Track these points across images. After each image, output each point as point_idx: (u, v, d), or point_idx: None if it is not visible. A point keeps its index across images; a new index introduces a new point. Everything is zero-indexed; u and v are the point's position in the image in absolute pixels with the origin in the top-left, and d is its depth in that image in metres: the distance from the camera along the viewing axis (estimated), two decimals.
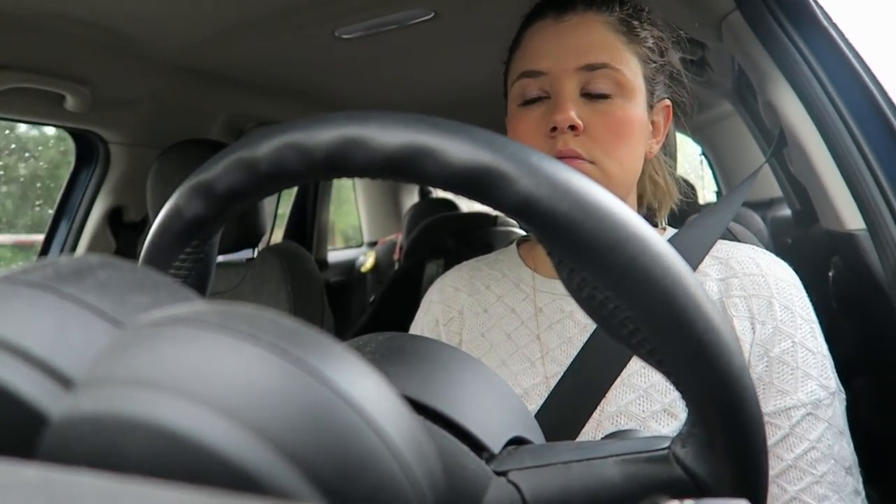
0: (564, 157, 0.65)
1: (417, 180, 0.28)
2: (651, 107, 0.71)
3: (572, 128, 0.65)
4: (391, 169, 0.28)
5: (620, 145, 0.66)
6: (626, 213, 0.27)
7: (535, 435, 0.36)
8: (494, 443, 0.33)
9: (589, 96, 0.67)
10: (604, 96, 0.66)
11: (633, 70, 0.68)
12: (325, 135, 0.29)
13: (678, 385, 0.30)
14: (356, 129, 0.28)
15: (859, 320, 1.06)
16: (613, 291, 0.28)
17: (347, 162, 0.29)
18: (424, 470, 0.20)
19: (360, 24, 1.32)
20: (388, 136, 0.28)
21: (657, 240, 0.27)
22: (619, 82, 0.66)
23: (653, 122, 0.73)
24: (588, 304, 0.30)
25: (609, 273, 0.27)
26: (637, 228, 0.27)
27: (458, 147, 0.27)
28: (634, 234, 0.27)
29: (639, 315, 0.28)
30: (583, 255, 0.27)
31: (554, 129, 0.65)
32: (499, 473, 0.32)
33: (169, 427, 0.16)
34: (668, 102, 0.74)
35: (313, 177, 0.30)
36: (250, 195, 0.32)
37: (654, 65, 0.71)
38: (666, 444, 0.32)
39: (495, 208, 0.28)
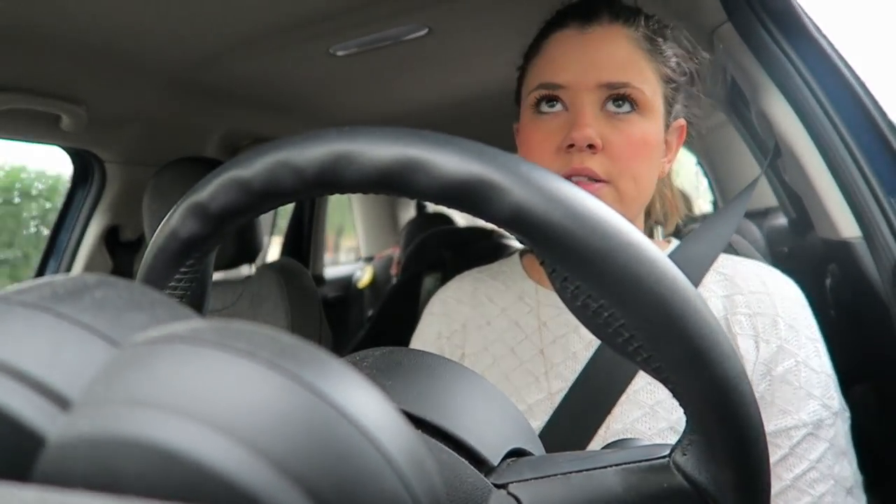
0: (579, 174, 0.63)
1: (409, 194, 0.28)
2: (667, 126, 0.70)
3: (591, 146, 0.63)
4: (383, 183, 0.28)
5: (637, 165, 0.65)
6: (618, 222, 0.27)
7: (534, 446, 0.35)
8: (493, 455, 0.32)
9: (609, 113, 0.65)
10: (624, 114, 0.65)
11: (653, 89, 0.66)
12: (316, 151, 0.29)
13: (676, 392, 0.30)
14: (347, 144, 0.28)
15: (856, 328, 1.06)
16: (608, 300, 0.28)
17: (339, 178, 0.29)
18: (426, 486, 0.19)
19: (354, 41, 1.33)
20: (379, 150, 0.28)
21: (650, 247, 0.27)
22: (639, 101, 0.65)
23: (666, 142, 0.71)
24: (583, 314, 0.30)
25: (603, 281, 0.27)
26: (630, 236, 0.27)
27: (448, 159, 0.27)
28: (627, 242, 0.27)
29: (634, 323, 0.28)
30: (576, 264, 0.27)
31: (571, 145, 0.63)
32: (498, 486, 0.32)
33: (167, 446, 0.16)
34: (682, 122, 0.73)
35: (306, 194, 0.30)
36: (244, 214, 0.33)
37: (674, 84, 0.69)
38: (666, 453, 0.32)
39: (487, 220, 0.28)
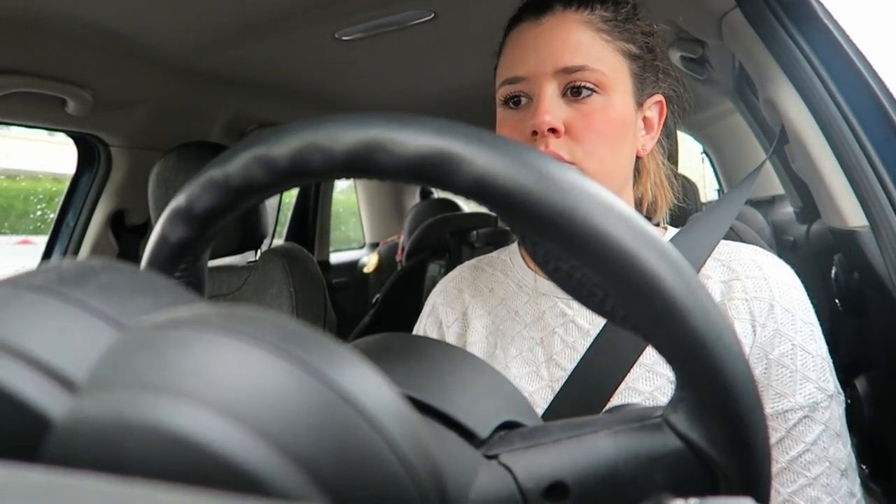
0: None
1: (377, 175, 0.29)
2: (640, 104, 0.71)
3: (553, 130, 0.65)
4: (350, 167, 0.29)
5: (603, 145, 0.66)
6: (579, 179, 0.27)
7: (529, 418, 0.35)
8: (483, 428, 0.32)
9: (569, 97, 0.67)
10: (585, 97, 0.66)
11: (615, 68, 0.67)
12: (285, 143, 0.30)
13: (659, 348, 0.29)
14: (313, 134, 0.29)
15: (861, 317, 1.05)
16: (577, 260, 0.28)
17: (309, 166, 0.29)
18: (428, 469, 0.20)
19: (360, 26, 1.32)
20: (342, 135, 0.28)
21: (615, 202, 0.27)
22: (599, 82, 0.66)
23: (644, 119, 0.72)
24: (556, 276, 0.30)
25: (569, 241, 0.27)
26: (592, 193, 0.27)
27: (409, 136, 0.28)
28: (590, 199, 0.27)
29: (605, 282, 0.28)
30: (541, 227, 0.27)
31: (535, 132, 0.65)
32: (489, 457, 0.31)
33: (172, 429, 0.17)
34: (660, 98, 0.73)
35: (281, 186, 0.31)
36: (227, 212, 0.33)
37: (641, 60, 0.70)
38: (659, 413, 0.32)
39: (453, 192, 0.28)
